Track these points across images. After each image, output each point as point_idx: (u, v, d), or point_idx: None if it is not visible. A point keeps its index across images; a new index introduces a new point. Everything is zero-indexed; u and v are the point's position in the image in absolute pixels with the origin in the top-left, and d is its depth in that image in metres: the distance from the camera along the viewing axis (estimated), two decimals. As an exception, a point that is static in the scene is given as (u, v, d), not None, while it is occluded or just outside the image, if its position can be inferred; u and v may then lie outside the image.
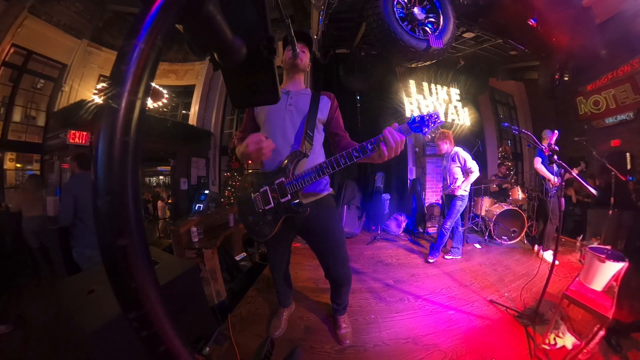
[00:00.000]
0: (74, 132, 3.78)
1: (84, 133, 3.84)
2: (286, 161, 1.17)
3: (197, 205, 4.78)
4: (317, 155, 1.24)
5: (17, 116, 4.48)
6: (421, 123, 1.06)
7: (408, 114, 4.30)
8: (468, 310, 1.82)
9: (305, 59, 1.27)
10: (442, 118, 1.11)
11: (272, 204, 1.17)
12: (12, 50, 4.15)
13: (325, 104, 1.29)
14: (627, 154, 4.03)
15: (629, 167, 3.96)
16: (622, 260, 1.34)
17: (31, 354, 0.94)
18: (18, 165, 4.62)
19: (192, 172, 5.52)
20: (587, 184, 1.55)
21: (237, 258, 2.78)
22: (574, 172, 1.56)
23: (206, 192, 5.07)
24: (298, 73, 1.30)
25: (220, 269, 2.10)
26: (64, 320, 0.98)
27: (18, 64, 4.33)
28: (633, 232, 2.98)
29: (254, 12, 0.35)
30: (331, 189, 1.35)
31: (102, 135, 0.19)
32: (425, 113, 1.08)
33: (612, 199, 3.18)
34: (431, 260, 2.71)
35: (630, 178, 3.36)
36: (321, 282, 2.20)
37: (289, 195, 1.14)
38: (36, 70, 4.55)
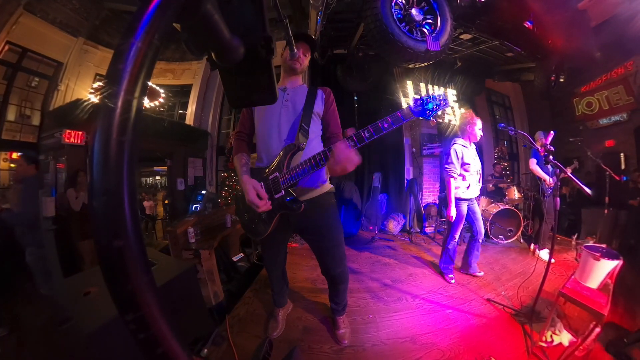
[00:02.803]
0: (70, 131, 3.73)
1: (80, 133, 3.79)
2: (280, 155, 1.14)
3: (194, 205, 4.76)
4: (314, 148, 1.19)
5: (11, 115, 4.42)
6: (424, 105, 1.01)
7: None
8: (465, 309, 1.83)
9: (305, 62, 1.26)
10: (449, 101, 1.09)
11: None
12: (6, 48, 4.10)
13: (320, 97, 1.27)
14: (622, 154, 4.08)
15: (623, 167, 4.00)
16: (617, 258, 1.36)
17: (27, 357, 0.92)
18: (12, 165, 4.55)
19: (189, 172, 5.48)
20: (582, 183, 1.56)
21: (235, 259, 2.77)
22: (568, 171, 1.57)
23: (203, 192, 5.04)
24: (295, 74, 1.29)
25: (218, 270, 2.09)
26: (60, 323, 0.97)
27: (12, 62, 4.26)
28: (627, 231, 3.02)
29: (252, 12, 0.35)
30: (331, 185, 1.32)
31: (98, 134, 0.18)
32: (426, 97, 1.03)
33: (606, 199, 3.22)
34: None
35: (625, 178, 3.40)
36: (319, 282, 2.20)
37: (282, 191, 1.11)
38: (31, 68, 4.48)
